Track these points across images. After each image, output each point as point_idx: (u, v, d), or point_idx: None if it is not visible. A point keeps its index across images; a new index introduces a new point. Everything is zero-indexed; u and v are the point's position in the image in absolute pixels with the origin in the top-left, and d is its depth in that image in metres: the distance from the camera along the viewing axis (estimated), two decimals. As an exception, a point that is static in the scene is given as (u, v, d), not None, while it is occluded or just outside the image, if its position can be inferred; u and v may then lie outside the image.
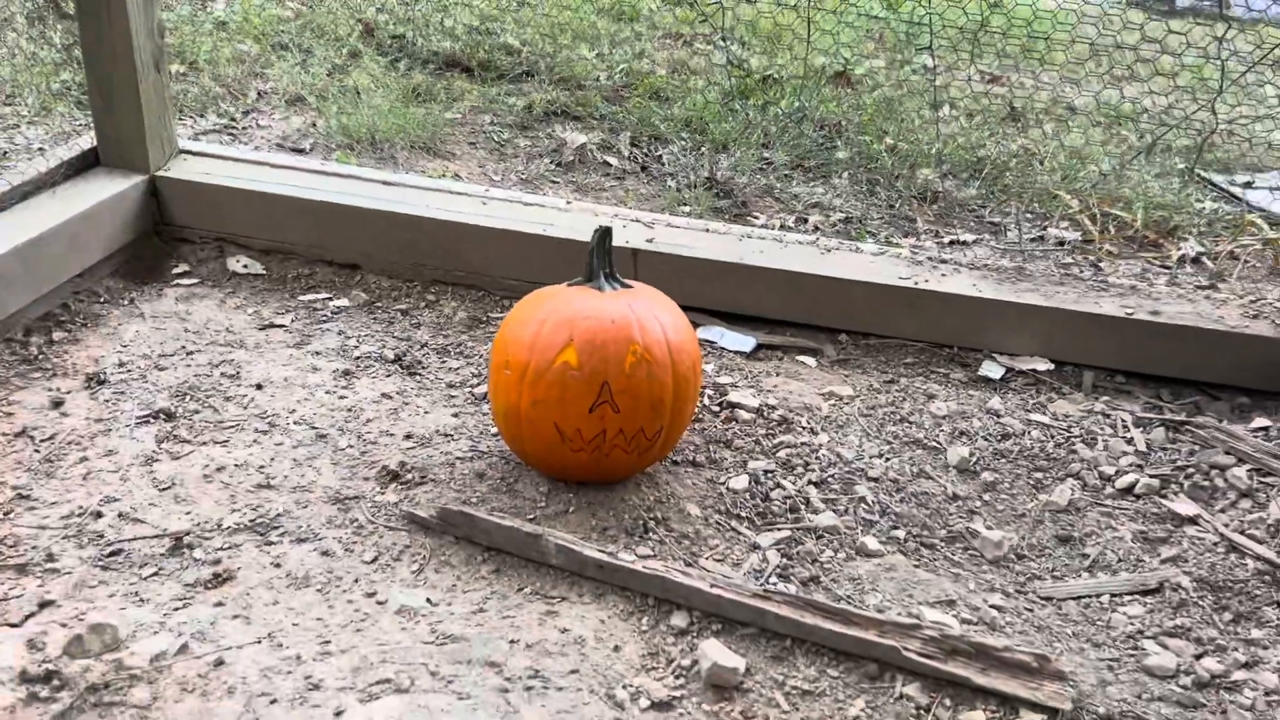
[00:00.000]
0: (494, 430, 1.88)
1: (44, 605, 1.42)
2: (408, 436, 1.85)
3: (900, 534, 1.73)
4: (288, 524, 1.62)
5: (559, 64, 3.61)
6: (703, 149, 3.16)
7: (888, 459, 1.91)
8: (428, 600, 1.49)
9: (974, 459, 1.92)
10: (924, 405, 2.07)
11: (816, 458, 1.88)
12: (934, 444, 1.96)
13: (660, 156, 3.15)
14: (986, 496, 1.84)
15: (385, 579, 1.53)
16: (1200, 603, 1.63)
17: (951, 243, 2.75)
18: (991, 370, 2.20)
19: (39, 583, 1.46)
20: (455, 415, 1.92)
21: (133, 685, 1.30)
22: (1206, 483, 1.90)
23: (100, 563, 1.51)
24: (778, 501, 1.76)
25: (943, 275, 2.29)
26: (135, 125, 2.33)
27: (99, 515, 1.60)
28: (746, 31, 3.95)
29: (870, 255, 2.36)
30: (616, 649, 1.44)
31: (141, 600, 1.45)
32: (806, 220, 2.84)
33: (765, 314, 2.30)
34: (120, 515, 1.61)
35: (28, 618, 1.39)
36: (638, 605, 1.52)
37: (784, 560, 1.64)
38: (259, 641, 1.39)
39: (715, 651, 1.42)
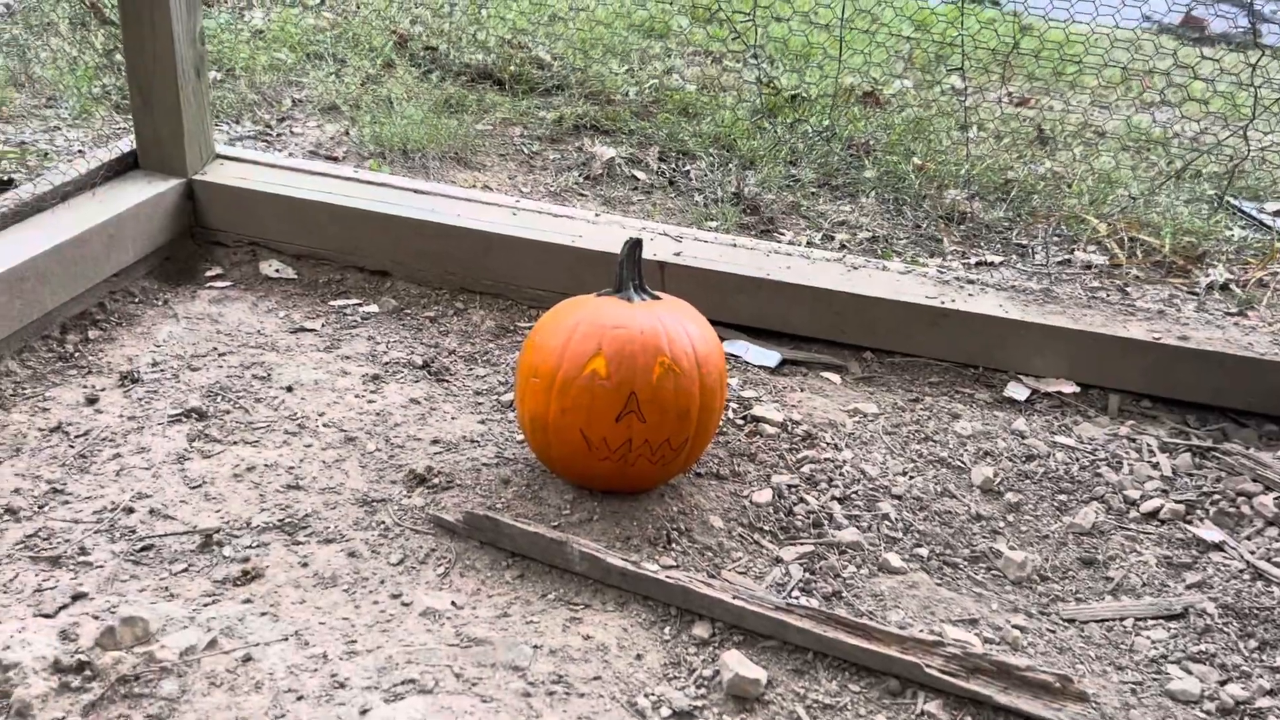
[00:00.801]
0: (520, 438, 1.90)
1: (77, 597, 1.44)
2: (435, 441, 1.87)
3: (923, 552, 1.73)
4: (316, 524, 1.64)
5: (589, 78, 3.65)
6: (730, 165, 3.18)
7: (911, 477, 1.91)
8: (453, 603, 1.50)
9: (998, 479, 1.92)
10: (948, 424, 2.07)
11: (840, 474, 1.89)
12: (958, 463, 1.96)
13: (688, 172, 3.17)
14: (1010, 517, 1.84)
15: (411, 581, 1.54)
16: (1225, 629, 1.62)
17: (978, 264, 2.75)
18: (1017, 391, 2.20)
19: (72, 575, 1.49)
20: (482, 422, 1.94)
21: (162, 678, 1.32)
22: (1232, 509, 1.89)
23: (132, 557, 1.53)
24: (801, 516, 1.77)
25: (969, 295, 2.29)
26: (174, 129, 2.37)
27: (131, 511, 1.63)
28: (776, 50, 3.97)
29: (897, 274, 2.37)
30: (639, 657, 1.45)
31: (172, 595, 1.47)
32: (833, 238, 2.85)
33: (791, 330, 2.31)
34: (152, 511, 1.63)
35: (61, 609, 1.42)
36: (660, 615, 1.53)
37: (807, 575, 1.64)
38: (286, 639, 1.40)
39: (737, 663, 1.43)
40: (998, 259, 2.78)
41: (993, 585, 1.69)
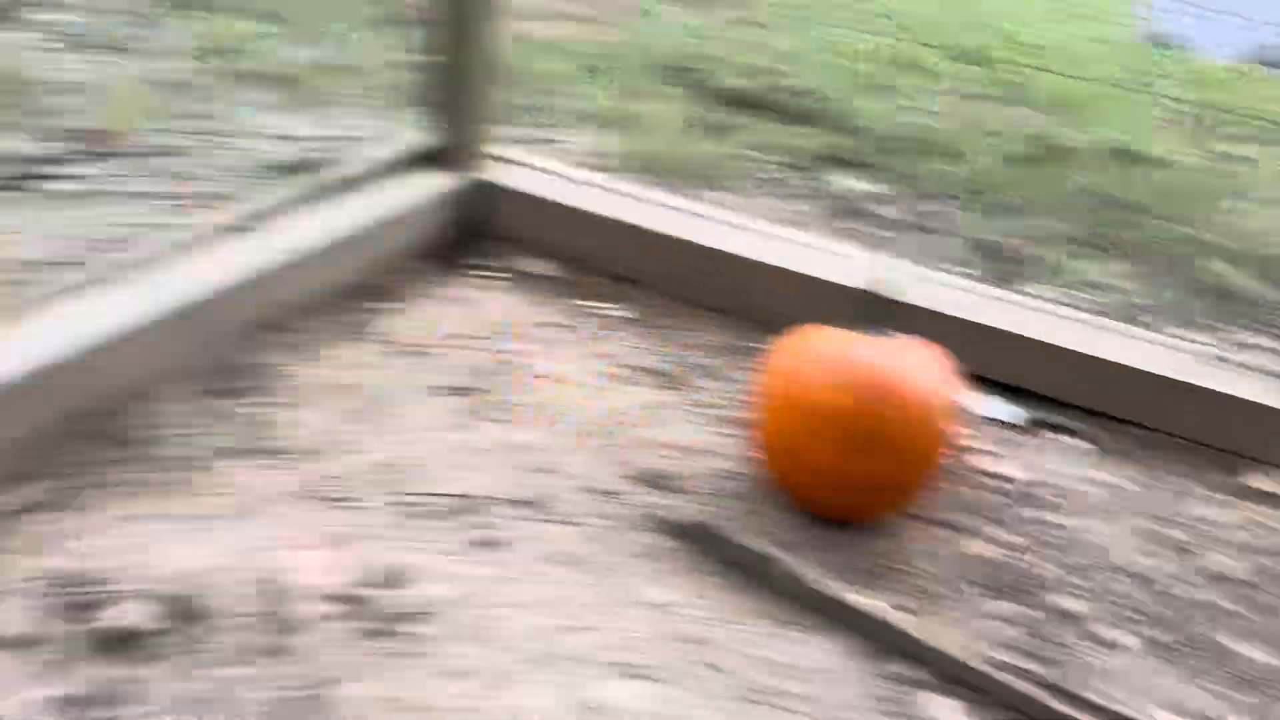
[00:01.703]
0: (749, 455, 1.97)
1: (350, 538, 1.63)
2: (667, 446, 1.98)
3: (1146, 632, 1.68)
4: (557, 506, 1.77)
5: (845, 111, 3.69)
6: (982, 211, 3.14)
7: (1142, 555, 1.85)
8: (673, 601, 1.60)
9: (1237, 570, 1.83)
10: (1188, 507, 1.99)
11: (1066, 540, 1.86)
12: (1194, 549, 1.89)
13: (935, 213, 3.16)
14: (1245, 610, 1.76)
15: (635, 573, 1.65)
16: None
17: (1240, 345, 2.60)
18: (1266, 484, 2.08)
19: (347, 518, 1.68)
20: (713, 435, 2.03)
21: (414, 622, 1.48)
22: None
23: (398, 510, 1.72)
24: (1019, 576, 1.76)
25: (1228, 376, 2.18)
26: (465, 129, 2.60)
27: (399, 469, 1.82)
28: (1047, 99, 3.88)
29: (1149, 343, 2.28)
30: (844, 685, 1.49)
31: (428, 549, 1.64)
32: (1085, 298, 2.77)
33: (1027, 386, 2.27)
34: (416, 472, 1.82)
35: (335, 547, 1.61)
36: (864, 647, 1.57)
37: (1020, 635, 1.63)
38: (523, 607, 1.54)
39: (939, 708, 1.45)
40: (1267, 343, 2.62)
41: (1219, 678, 1.62)
